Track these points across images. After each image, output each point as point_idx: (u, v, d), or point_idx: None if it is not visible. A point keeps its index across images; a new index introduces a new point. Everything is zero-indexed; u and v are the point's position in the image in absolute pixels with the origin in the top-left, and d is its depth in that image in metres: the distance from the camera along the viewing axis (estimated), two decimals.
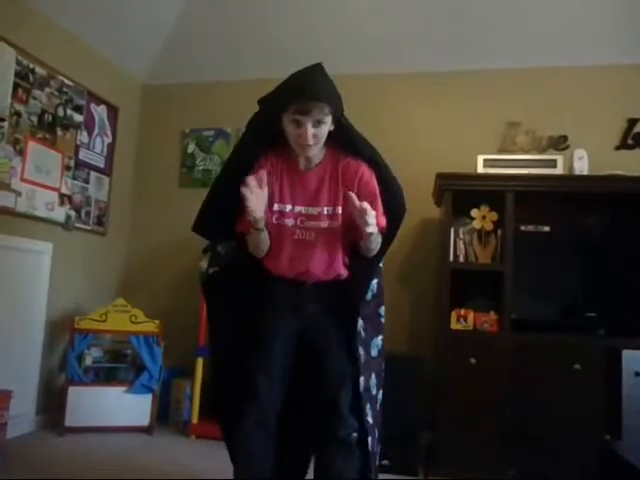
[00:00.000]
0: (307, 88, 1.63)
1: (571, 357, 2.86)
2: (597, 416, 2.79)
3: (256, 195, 1.57)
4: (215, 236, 1.90)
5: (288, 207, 1.77)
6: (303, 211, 1.76)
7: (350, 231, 1.74)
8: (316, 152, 1.73)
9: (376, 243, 1.73)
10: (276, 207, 1.77)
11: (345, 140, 1.76)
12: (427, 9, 3.40)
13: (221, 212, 1.77)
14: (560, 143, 3.47)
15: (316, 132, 1.65)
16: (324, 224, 1.75)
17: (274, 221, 1.77)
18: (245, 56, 3.88)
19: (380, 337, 1.88)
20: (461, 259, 3.11)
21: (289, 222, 1.76)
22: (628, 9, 3.20)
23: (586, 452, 2.72)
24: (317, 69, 1.69)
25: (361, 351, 1.76)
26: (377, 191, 1.76)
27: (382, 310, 1.92)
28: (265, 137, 1.78)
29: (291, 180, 1.77)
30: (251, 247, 1.77)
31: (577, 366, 2.85)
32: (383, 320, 1.92)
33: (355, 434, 1.70)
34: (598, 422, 2.78)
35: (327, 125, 1.67)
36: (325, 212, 1.75)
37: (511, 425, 2.85)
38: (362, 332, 1.78)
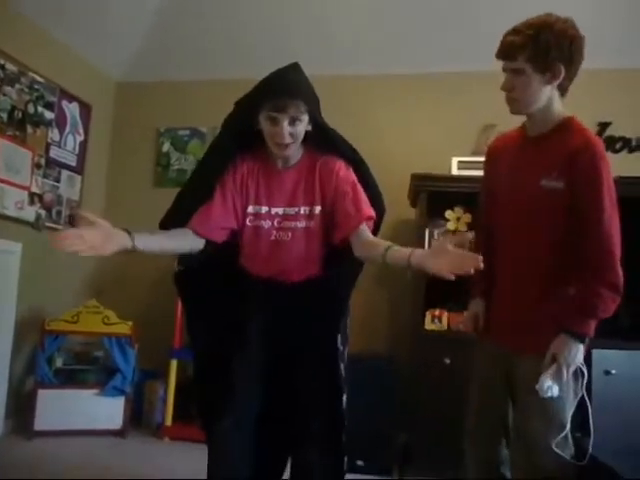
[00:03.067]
0: (283, 86, 1.62)
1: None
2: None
3: (90, 230, 1.47)
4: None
5: (264, 209, 1.75)
6: (280, 212, 1.74)
7: (334, 231, 1.73)
8: (293, 151, 1.71)
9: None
10: (251, 209, 1.75)
11: (323, 140, 1.75)
12: (401, 10, 3.43)
13: (190, 212, 1.73)
14: None
15: (292, 130, 1.63)
16: (301, 224, 1.74)
17: (249, 223, 1.75)
18: (221, 56, 3.86)
19: (347, 349, 1.87)
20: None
21: (265, 224, 1.74)
22: (602, 16, 3.27)
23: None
24: (294, 68, 1.69)
25: (342, 367, 1.75)
26: (356, 182, 1.74)
27: (349, 321, 1.91)
28: (241, 137, 1.76)
29: (267, 181, 1.76)
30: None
31: None
32: (349, 331, 1.92)
33: (334, 435, 1.70)
34: (570, 420, 2.82)
35: (304, 124, 1.65)
36: (302, 212, 1.74)
37: None
38: (341, 347, 1.78)
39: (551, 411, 1.64)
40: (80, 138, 3.86)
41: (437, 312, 3.06)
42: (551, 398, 1.62)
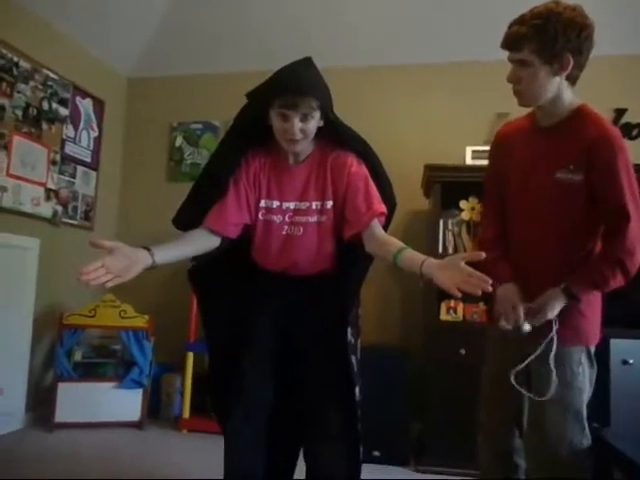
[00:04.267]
0: (294, 82, 1.60)
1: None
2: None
3: (112, 258, 1.46)
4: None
5: (275, 203, 1.75)
6: (292, 207, 1.74)
7: (345, 227, 1.72)
8: (304, 147, 1.71)
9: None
10: (263, 203, 1.75)
11: (334, 135, 1.74)
12: (414, 0, 3.39)
13: (203, 207, 1.73)
14: None
15: (303, 127, 1.61)
16: (312, 219, 1.73)
17: (261, 217, 1.75)
18: (233, 48, 3.85)
19: (359, 341, 1.86)
20: (450, 250, 3.13)
21: (277, 219, 1.74)
22: (619, 1, 3.22)
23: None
24: (306, 63, 1.67)
25: (353, 360, 1.75)
26: (368, 177, 1.73)
27: (360, 311, 1.91)
28: (253, 132, 1.75)
29: (279, 176, 1.75)
30: None
31: None
32: (361, 322, 1.92)
33: (348, 430, 1.70)
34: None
35: (315, 120, 1.63)
36: (314, 207, 1.73)
37: None
38: (352, 339, 1.78)
39: (568, 400, 1.62)
40: (94, 134, 3.89)
41: (452, 303, 3.05)
42: (566, 383, 1.61)
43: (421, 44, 3.62)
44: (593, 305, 1.73)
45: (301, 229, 1.74)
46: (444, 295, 3.05)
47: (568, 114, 1.64)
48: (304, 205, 1.74)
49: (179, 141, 4.11)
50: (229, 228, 1.72)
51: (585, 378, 1.68)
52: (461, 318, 3.04)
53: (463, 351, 2.93)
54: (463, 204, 3.16)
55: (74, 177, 3.67)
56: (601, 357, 2.80)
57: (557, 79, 1.58)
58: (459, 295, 1.36)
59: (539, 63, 1.54)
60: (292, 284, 1.78)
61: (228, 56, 3.89)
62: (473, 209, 3.16)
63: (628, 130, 3.42)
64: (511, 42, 1.58)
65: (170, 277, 3.85)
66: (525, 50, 1.54)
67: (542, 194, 1.64)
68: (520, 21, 1.57)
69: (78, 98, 3.70)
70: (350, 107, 3.64)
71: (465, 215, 3.16)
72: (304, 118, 1.61)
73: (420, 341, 3.30)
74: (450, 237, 3.14)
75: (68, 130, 3.60)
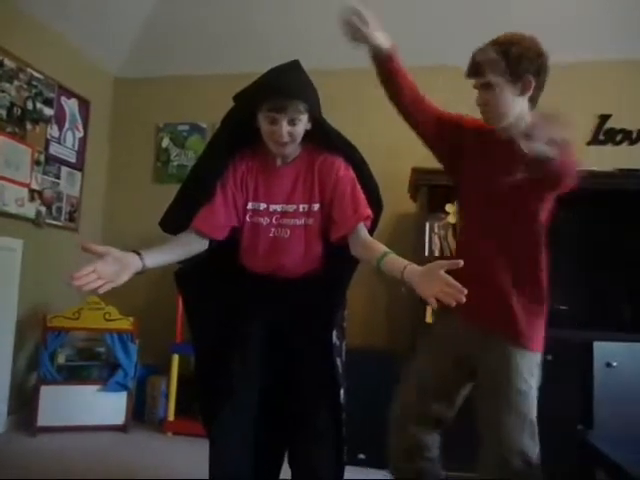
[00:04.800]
0: (282, 86, 1.61)
1: (544, 348, 2.90)
2: (571, 406, 2.85)
3: (103, 263, 1.47)
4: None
5: (262, 206, 1.75)
6: (279, 209, 1.74)
7: (331, 230, 1.72)
8: (291, 150, 1.71)
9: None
10: (250, 206, 1.75)
11: (322, 138, 1.75)
12: (408, 3, 3.41)
13: (190, 210, 1.73)
14: None
15: (291, 130, 1.63)
16: (300, 221, 1.73)
17: (248, 220, 1.75)
18: (220, 50, 3.84)
19: (344, 343, 1.87)
20: (436, 253, 3.14)
21: (263, 221, 1.74)
22: (601, 6, 3.26)
23: (561, 441, 2.77)
24: (293, 66, 1.67)
25: (338, 362, 1.76)
26: (355, 180, 1.74)
27: (346, 314, 1.92)
28: (240, 134, 1.75)
29: (266, 178, 1.76)
30: None
31: (549, 357, 2.89)
32: (346, 325, 1.92)
33: (335, 430, 1.71)
34: (572, 412, 2.84)
35: (303, 123, 1.65)
36: (301, 209, 1.74)
37: None
38: (337, 342, 1.78)
39: (524, 405, 1.65)
40: (79, 134, 3.85)
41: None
42: (521, 392, 1.63)
43: (408, 47, 3.63)
44: (539, 313, 1.78)
45: (288, 231, 1.74)
46: None
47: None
48: (291, 207, 1.74)
49: (165, 142, 4.08)
50: (217, 231, 1.72)
51: (534, 385, 1.71)
52: None
53: None
54: (449, 207, 3.18)
55: (58, 178, 3.63)
56: (585, 360, 2.85)
57: (521, 100, 1.68)
58: (435, 306, 1.38)
59: (504, 83, 1.64)
60: (279, 286, 1.78)
61: (216, 58, 3.88)
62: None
63: (612, 136, 3.47)
64: (476, 69, 1.68)
65: (155, 279, 3.82)
66: (489, 74, 1.64)
67: (502, 195, 1.66)
68: (481, 51, 1.68)
69: (63, 98, 3.66)
70: (337, 110, 3.65)
71: (451, 218, 3.18)
72: (292, 122, 1.62)
73: (406, 344, 3.31)
74: (436, 240, 3.16)
75: (53, 130, 3.56)
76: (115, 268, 1.48)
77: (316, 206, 1.73)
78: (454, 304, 1.35)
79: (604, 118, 3.48)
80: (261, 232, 1.75)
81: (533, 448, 1.64)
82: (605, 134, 3.48)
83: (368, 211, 1.70)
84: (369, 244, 1.66)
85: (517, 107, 1.68)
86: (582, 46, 3.41)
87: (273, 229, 1.74)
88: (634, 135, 3.45)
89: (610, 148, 3.47)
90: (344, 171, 1.73)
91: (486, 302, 1.66)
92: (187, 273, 1.83)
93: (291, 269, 1.76)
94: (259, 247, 1.75)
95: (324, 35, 3.60)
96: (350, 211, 1.68)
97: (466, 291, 1.34)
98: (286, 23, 3.60)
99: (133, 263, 1.53)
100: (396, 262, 1.54)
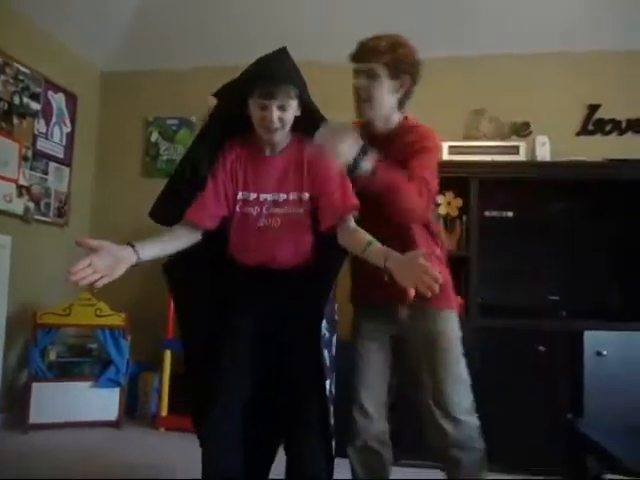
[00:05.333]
0: (272, 72, 1.62)
1: (535, 339, 2.93)
2: (562, 395, 2.88)
3: (98, 257, 1.46)
4: (171, 224, 1.81)
5: (252, 195, 1.75)
6: (269, 198, 1.74)
7: (321, 218, 1.72)
8: (281, 137, 1.71)
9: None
10: (240, 195, 1.75)
11: (311, 126, 1.74)
12: None
13: (180, 200, 1.73)
14: (523, 130, 3.52)
15: (282, 116, 1.63)
16: (290, 210, 1.73)
17: (238, 210, 1.75)
18: (210, 43, 3.81)
19: (334, 336, 1.88)
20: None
21: (253, 211, 1.74)
22: None
23: (552, 429, 2.80)
24: (282, 53, 1.68)
25: (326, 354, 1.76)
26: (344, 171, 1.72)
27: (336, 306, 1.92)
28: (231, 125, 1.75)
29: (255, 167, 1.75)
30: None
31: (541, 348, 2.92)
32: (337, 318, 1.92)
33: (326, 423, 1.71)
34: (563, 401, 2.86)
35: (292, 109, 1.65)
36: (291, 199, 1.74)
37: (479, 406, 2.90)
38: (326, 333, 1.78)
39: (463, 373, 1.81)
40: (67, 129, 3.81)
41: None
42: (449, 352, 1.79)
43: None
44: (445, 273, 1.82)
45: (279, 220, 1.73)
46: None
47: (395, 127, 1.84)
48: (281, 197, 1.74)
49: (154, 136, 4.05)
50: (208, 220, 1.73)
51: (459, 342, 1.83)
52: None
53: None
54: (440, 199, 3.19)
55: (46, 173, 3.60)
56: (575, 349, 2.88)
57: (395, 97, 1.80)
58: (412, 297, 1.42)
59: (385, 75, 1.73)
60: (269, 278, 1.77)
61: (204, 51, 3.85)
62: (449, 204, 3.18)
63: (601, 126, 3.48)
64: (365, 53, 1.75)
65: (146, 274, 3.80)
66: (375, 62, 1.72)
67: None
68: (375, 39, 1.76)
69: (50, 92, 3.62)
70: (327, 103, 3.64)
71: (442, 210, 3.18)
72: (282, 107, 1.63)
73: None
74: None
75: (40, 125, 3.53)
76: (110, 262, 1.48)
77: (306, 195, 1.73)
78: (429, 295, 1.38)
79: (593, 108, 3.49)
80: (251, 222, 1.74)
81: (470, 403, 1.84)
82: (594, 124, 3.49)
83: (355, 201, 1.71)
84: (355, 234, 1.68)
85: (391, 103, 1.79)
86: (572, 37, 3.41)
87: (263, 219, 1.74)
88: (623, 125, 3.46)
89: (599, 138, 3.48)
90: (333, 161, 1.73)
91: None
92: (176, 265, 1.81)
93: (281, 260, 1.75)
94: (249, 238, 1.75)
95: (310, 27, 3.59)
96: (339, 200, 1.69)
97: (442, 280, 1.37)
98: (276, 15, 3.57)
99: (128, 256, 1.54)
100: (379, 251, 1.56)
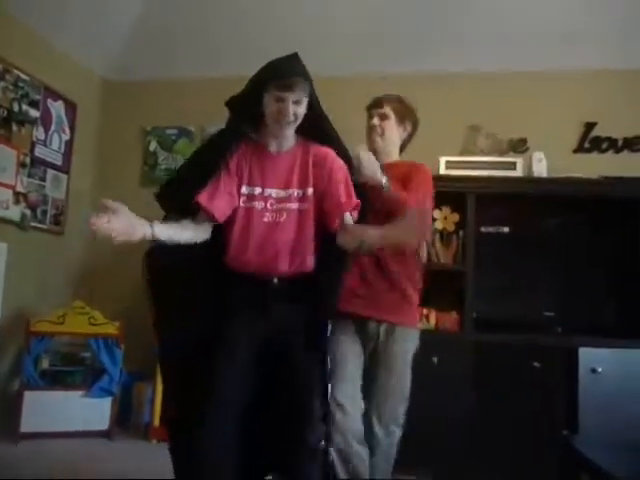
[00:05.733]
0: (290, 66, 1.70)
1: (530, 355, 2.93)
2: (557, 411, 2.87)
3: (116, 217, 1.53)
4: (177, 210, 1.80)
5: (257, 190, 1.77)
6: (273, 194, 1.76)
7: (327, 217, 1.75)
8: (291, 133, 1.77)
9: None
10: (244, 190, 1.76)
11: (316, 128, 1.80)
12: (391, 11, 3.43)
13: (193, 189, 1.74)
14: (520, 146, 3.55)
15: (296, 110, 1.70)
16: (294, 206, 1.76)
17: (242, 204, 1.76)
18: (210, 53, 3.83)
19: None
20: (424, 260, 3.15)
21: (258, 205, 1.76)
22: (586, 17, 3.30)
23: (547, 446, 2.79)
24: (295, 56, 1.75)
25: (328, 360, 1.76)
26: (347, 172, 1.81)
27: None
28: (248, 118, 1.80)
29: (261, 163, 1.78)
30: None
31: (536, 364, 2.92)
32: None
33: (322, 442, 1.69)
34: (558, 417, 2.86)
35: (304, 106, 1.72)
36: (295, 194, 1.76)
37: (475, 422, 2.90)
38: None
39: (405, 390, 2.04)
40: (66, 137, 3.82)
41: (425, 311, 3.07)
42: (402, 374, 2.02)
43: (394, 54, 3.66)
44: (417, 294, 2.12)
45: (284, 214, 1.75)
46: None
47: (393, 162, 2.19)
48: (286, 192, 1.76)
49: (153, 146, 4.06)
50: (219, 211, 1.74)
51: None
52: (433, 327, 3.06)
53: (435, 359, 2.95)
54: (436, 213, 3.20)
55: (44, 180, 3.60)
56: (570, 365, 2.87)
57: (398, 139, 2.22)
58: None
59: (394, 118, 2.18)
60: (272, 289, 1.76)
61: (204, 62, 3.87)
62: (446, 219, 3.19)
63: (597, 144, 3.50)
64: (379, 101, 2.22)
65: (140, 284, 3.79)
66: (387, 107, 2.18)
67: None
68: (384, 96, 2.24)
69: (49, 100, 3.63)
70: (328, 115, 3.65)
71: (438, 224, 3.19)
72: (297, 102, 1.68)
73: None
74: (424, 246, 3.17)
75: (38, 132, 3.53)
76: (126, 224, 1.54)
77: (310, 190, 1.76)
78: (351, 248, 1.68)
79: (590, 126, 3.52)
80: (255, 216, 1.75)
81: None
82: (591, 142, 3.52)
83: (357, 201, 1.77)
84: (353, 227, 1.74)
85: (396, 141, 2.21)
86: (570, 56, 3.45)
87: (267, 214, 1.75)
88: (619, 143, 3.49)
89: (596, 156, 3.50)
90: (339, 162, 1.80)
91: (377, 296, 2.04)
92: (159, 254, 1.79)
93: (284, 259, 1.74)
94: (252, 235, 1.74)
95: (309, 42, 3.62)
96: (344, 198, 1.75)
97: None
98: (276, 27, 3.59)
99: (143, 226, 1.59)
100: (375, 234, 1.64)
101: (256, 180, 1.77)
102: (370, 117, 2.22)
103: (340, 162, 1.80)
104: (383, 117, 2.18)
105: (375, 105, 2.23)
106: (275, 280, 1.76)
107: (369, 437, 1.99)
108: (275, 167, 1.78)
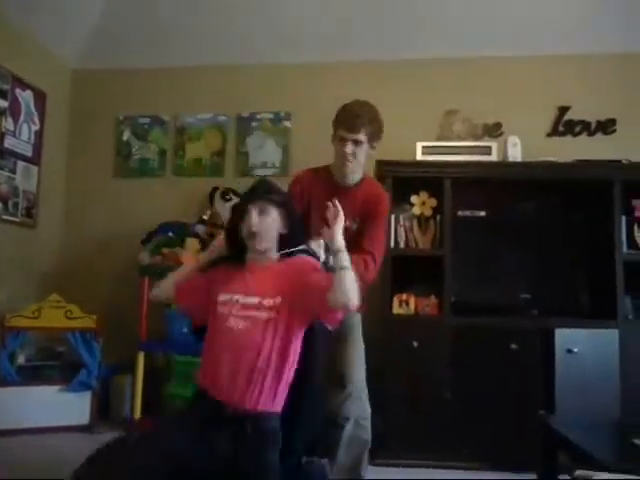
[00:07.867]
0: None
1: (507, 337, 2.97)
2: (534, 392, 2.92)
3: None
4: None
5: (227, 297, 1.74)
6: (240, 300, 1.71)
7: (317, 307, 1.66)
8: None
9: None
10: (221, 298, 1.74)
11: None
12: None
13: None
14: (495, 130, 3.57)
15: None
16: (261, 315, 1.66)
17: (216, 310, 1.75)
18: (180, 41, 3.76)
19: None
20: (402, 245, 3.17)
21: (225, 310, 1.72)
22: (560, 2, 3.32)
23: (525, 426, 2.84)
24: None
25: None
26: (317, 266, 1.81)
27: None
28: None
29: (233, 273, 1.79)
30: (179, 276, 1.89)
31: (513, 346, 2.97)
32: None
33: None
34: (536, 398, 2.91)
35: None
36: (265, 303, 1.68)
37: (455, 404, 2.94)
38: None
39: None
40: (35, 127, 3.73)
41: (404, 296, 3.09)
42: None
43: (369, 41, 3.64)
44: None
45: (248, 323, 1.66)
46: (396, 289, 3.09)
47: (356, 182, 2.26)
48: (254, 300, 1.69)
49: (126, 135, 3.99)
50: (185, 298, 1.86)
51: None
52: (413, 311, 3.09)
53: (415, 343, 2.98)
54: (414, 199, 3.21)
55: (14, 172, 3.51)
56: (546, 346, 2.92)
57: (366, 160, 2.26)
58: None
59: (366, 143, 2.17)
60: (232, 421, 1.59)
61: (177, 49, 3.79)
62: (424, 204, 3.21)
63: (571, 127, 3.55)
64: (353, 126, 2.14)
65: (118, 275, 3.75)
66: (362, 132, 2.14)
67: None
68: (358, 107, 2.19)
69: (18, 90, 3.54)
70: (302, 103, 3.63)
71: (416, 210, 3.21)
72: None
73: (373, 334, 3.33)
74: (402, 232, 3.18)
75: (7, 123, 3.44)
76: None
77: (278, 299, 1.67)
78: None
79: (563, 110, 3.56)
80: (221, 323, 1.69)
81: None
82: (565, 125, 3.56)
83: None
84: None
85: (364, 163, 2.24)
86: (544, 40, 3.47)
87: (232, 319, 1.67)
88: (593, 126, 3.54)
89: (570, 139, 3.55)
90: (311, 264, 1.77)
91: None
92: None
93: (247, 387, 1.60)
94: (218, 344, 1.67)
95: (277, 29, 3.58)
96: (323, 281, 1.64)
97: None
98: (240, 16, 3.54)
99: None
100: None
101: (227, 288, 1.75)
102: (342, 140, 2.15)
103: (312, 264, 1.76)
104: (357, 143, 2.15)
105: (350, 129, 2.14)
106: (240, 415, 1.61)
107: None
108: (255, 275, 1.77)
